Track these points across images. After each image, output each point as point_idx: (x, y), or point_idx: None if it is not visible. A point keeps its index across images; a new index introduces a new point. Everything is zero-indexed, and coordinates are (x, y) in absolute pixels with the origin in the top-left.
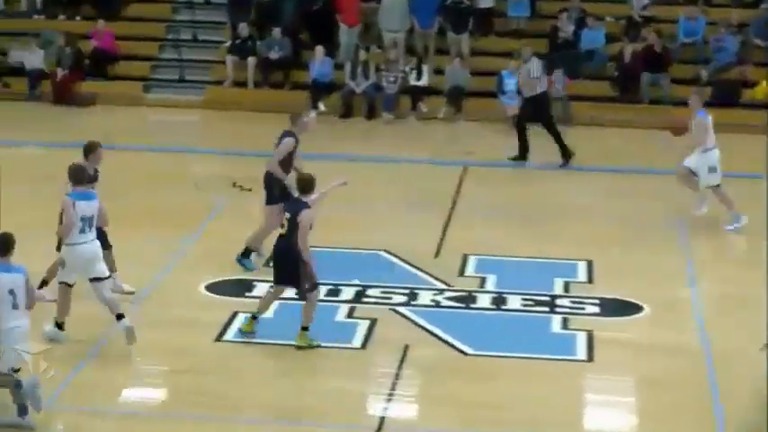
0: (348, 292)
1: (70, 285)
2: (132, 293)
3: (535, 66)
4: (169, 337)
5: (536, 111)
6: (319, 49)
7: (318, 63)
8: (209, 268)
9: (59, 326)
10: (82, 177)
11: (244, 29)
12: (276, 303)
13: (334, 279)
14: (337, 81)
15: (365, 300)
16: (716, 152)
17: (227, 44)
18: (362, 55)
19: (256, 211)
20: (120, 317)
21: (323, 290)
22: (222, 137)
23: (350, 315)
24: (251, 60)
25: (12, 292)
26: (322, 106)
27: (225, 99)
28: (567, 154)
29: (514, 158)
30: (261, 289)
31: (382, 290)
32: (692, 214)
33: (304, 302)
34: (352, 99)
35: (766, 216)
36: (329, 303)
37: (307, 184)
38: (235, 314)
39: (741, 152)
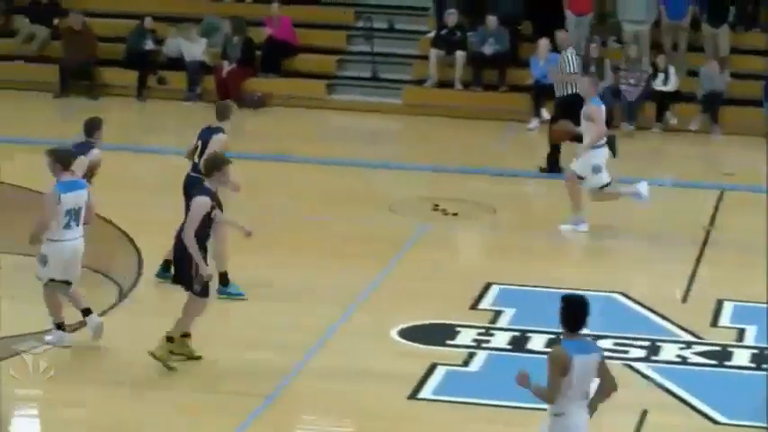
0: None
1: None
2: None
3: None
4: (353, 391)
5: None
6: (543, 44)
7: (542, 60)
8: (404, 309)
9: (60, 326)
10: (70, 161)
11: (452, 17)
12: (484, 354)
13: (556, 326)
14: None
15: None
16: (604, 150)
17: (431, 35)
18: (596, 51)
19: (464, 239)
20: (86, 312)
21: (541, 340)
22: (423, 148)
23: None
24: (459, 55)
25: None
26: (546, 113)
27: (426, 102)
28: None
29: None
30: (466, 336)
31: (616, 341)
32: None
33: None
34: None
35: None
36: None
37: (210, 165)
38: (433, 366)
39: None
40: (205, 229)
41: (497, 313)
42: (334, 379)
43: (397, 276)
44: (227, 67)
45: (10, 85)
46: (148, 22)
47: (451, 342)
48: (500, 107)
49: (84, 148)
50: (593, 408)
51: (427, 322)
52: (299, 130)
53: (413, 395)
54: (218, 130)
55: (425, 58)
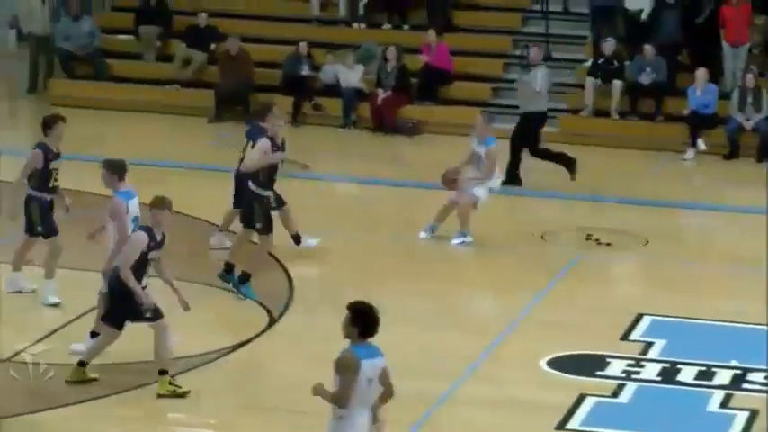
0: (724, 376)
1: None
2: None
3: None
4: (501, 421)
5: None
6: (701, 73)
7: (699, 90)
8: (555, 339)
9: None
10: (125, 171)
11: (609, 45)
12: (634, 385)
13: (707, 359)
14: (721, 113)
15: (745, 386)
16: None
17: (588, 63)
18: (752, 81)
19: (616, 270)
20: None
21: (692, 372)
22: (578, 177)
23: (725, 404)
24: (616, 84)
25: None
26: (702, 144)
27: (582, 131)
28: None
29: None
30: (616, 367)
31: (767, 374)
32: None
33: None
34: (740, 136)
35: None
36: (700, 389)
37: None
38: (582, 397)
39: None
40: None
41: (648, 344)
42: (482, 408)
43: (549, 306)
44: (382, 94)
45: (166, 109)
46: (303, 48)
47: (601, 373)
48: (656, 137)
49: None
50: (377, 416)
51: (577, 352)
52: (455, 157)
53: (561, 425)
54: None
55: (582, 86)
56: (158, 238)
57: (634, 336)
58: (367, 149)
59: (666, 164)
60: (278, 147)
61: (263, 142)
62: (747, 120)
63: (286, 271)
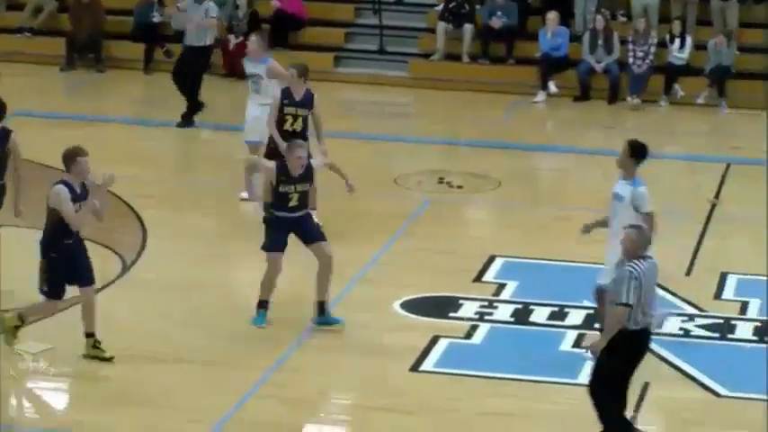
0: (576, 316)
1: None
2: None
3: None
4: (355, 364)
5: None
6: (552, 16)
7: (550, 33)
8: (408, 281)
9: None
10: None
11: None
12: (487, 326)
13: (559, 299)
14: (573, 56)
15: (597, 326)
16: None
17: (439, 8)
18: (603, 23)
19: (469, 213)
20: None
21: (545, 312)
22: (429, 122)
23: (577, 344)
24: (467, 28)
25: None
26: (553, 87)
27: (433, 75)
28: None
29: None
30: (469, 308)
31: None
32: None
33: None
34: (590, 78)
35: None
36: (553, 329)
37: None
38: (435, 339)
39: None
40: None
41: (501, 286)
42: (335, 352)
43: (401, 250)
44: (234, 40)
45: (17, 57)
46: None
47: (454, 314)
48: (507, 80)
49: None
50: None
51: (430, 295)
52: None
53: (415, 367)
54: None
55: (433, 31)
56: (78, 190)
57: (487, 277)
58: (219, 96)
59: (518, 107)
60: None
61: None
62: (598, 62)
63: (140, 219)
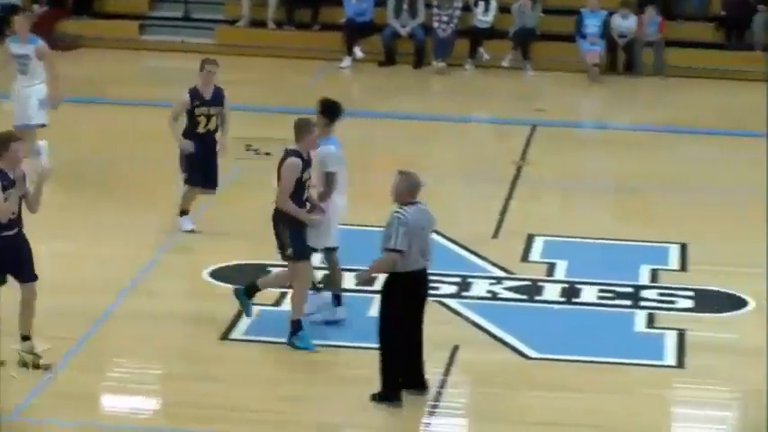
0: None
1: None
2: None
3: None
4: (164, 333)
5: None
6: None
7: None
8: (217, 249)
9: None
10: None
11: None
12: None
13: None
14: (378, 21)
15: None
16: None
17: None
18: None
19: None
20: None
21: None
22: (236, 89)
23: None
24: None
25: None
26: (359, 52)
27: (239, 41)
28: None
29: None
30: None
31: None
32: None
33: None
34: (395, 43)
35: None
36: (360, 294)
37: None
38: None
39: None
40: None
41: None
42: (144, 321)
43: (210, 217)
44: (39, 9)
45: None
46: None
47: None
48: (313, 46)
49: None
50: None
51: (239, 263)
52: (112, 71)
53: (224, 336)
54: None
55: None
56: (11, 176)
57: None
58: None
59: (324, 73)
60: None
61: None
62: (403, 26)
63: None
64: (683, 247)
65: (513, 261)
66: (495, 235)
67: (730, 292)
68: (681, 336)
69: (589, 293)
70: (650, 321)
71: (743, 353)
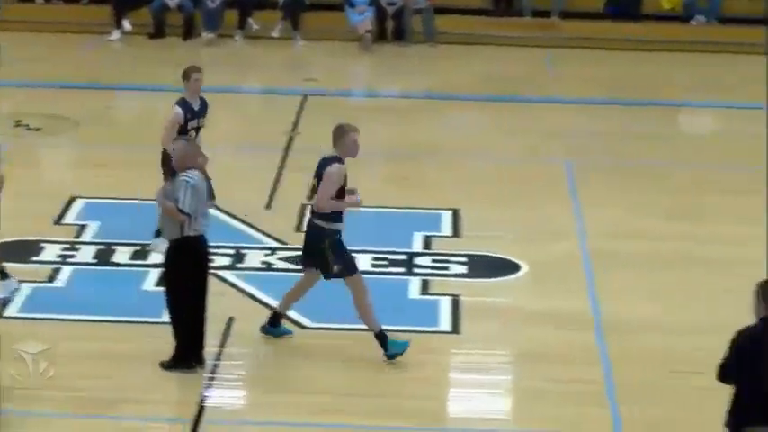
0: (156, 255)
1: None
2: None
3: None
4: None
5: None
6: None
7: None
8: None
9: None
10: None
11: None
12: (70, 269)
13: (141, 238)
14: None
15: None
16: None
17: None
18: None
19: (47, 154)
20: None
21: (127, 252)
22: (7, 65)
23: (160, 283)
24: None
25: None
26: (127, 25)
27: (8, 17)
28: None
29: None
30: (50, 252)
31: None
32: None
33: None
34: (164, 15)
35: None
36: (135, 269)
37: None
38: (19, 284)
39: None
40: None
41: (82, 227)
42: None
43: None
44: None
45: None
46: None
47: (36, 258)
48: (81, 20)
49: None
50: None
51: (10, 239)
52: None
53: None
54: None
55: None
56: None
57: (68, 219)
58: None
59: (94, 46)
60: None
61: None
62: None
63: None
64: (455, 214)
65: (287, 231)
66: (269, 205)
67: (502, 256)
68: (455, 301)
69: (363, 262)
70: (424, 288)
71: (516, 317)
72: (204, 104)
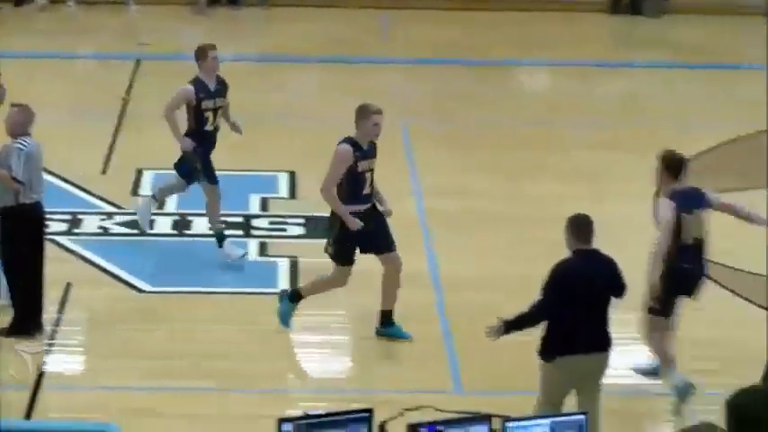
0: None
1: None
2: None
3: None
4: None
5: None
6: None
7: None
8: None
9: None
10: None
11: None
12: None
13: None
14: None
15: None
16: None
17: None
18: None
19: None
20: None
21: None
22: None
23: None
24: None
25: None
26: None
27: None
28: None
29: None
30: None
31: None
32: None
33: None
34: None
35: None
36: None
37: None
38: None
39: None
40: None
41: None
42: None
43: None
44: None
45: None
46: None
47: None
48: None
49: None
50: None
51: None
52: None
53: None
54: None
55: None
56: None
57: None
58: None
59: None
60: None
61: None
62: None
63: None
64: (292, 176)
65: (123, 196)
66: (104, 171)
67: None
68: (293, 263)
69: (200, 225)
70: (262, 250)
71: (356, 275)
72: (223, 85)
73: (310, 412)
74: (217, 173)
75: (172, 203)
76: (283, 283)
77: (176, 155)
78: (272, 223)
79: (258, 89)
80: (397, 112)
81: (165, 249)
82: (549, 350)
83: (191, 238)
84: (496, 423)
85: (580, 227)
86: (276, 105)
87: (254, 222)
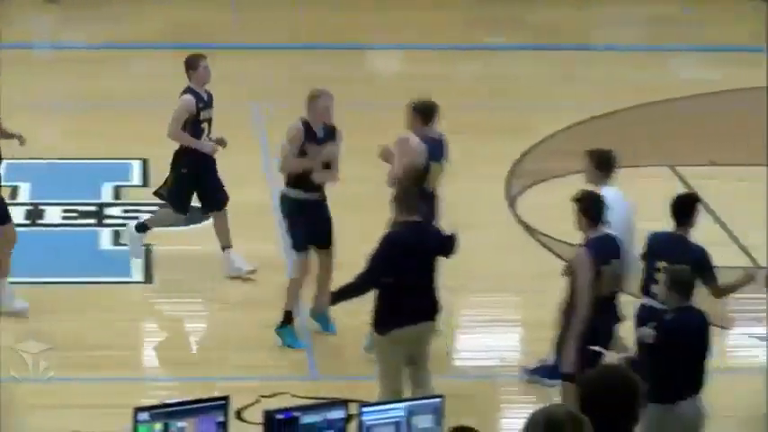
0: None
1: None
2: None
3: None
4: None
5: None
6: None
7: None
8: None
9: None
10: None
11: None
12: None
13: None
14: None
15: None
16: None
17: None
18: None
19: None
20: None
21: None
22: None
23: None
24: None
25: None
26: None
27: None
28: None
29: None
30: None
31: None
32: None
33: None
34: None
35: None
36: None
37: None
38: None
39: None
40: None
41: None
42: None
43: None
44: None
45: None
46: None
47: None
48: None
49: None
50: None
51: None
52: None
53: None
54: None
55: None
56: None
57: None
58: None
59: None
60: None
61: None
62: None
63: None
64: (145, 163)
65: None
66: None
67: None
68: (147, 251)
69: (53, 214)
70: (116, 238)
71: (210, 264)
72: (209, 96)
73: (166, 401)
74: (67, 161)
75: (24, 193)
76: (137, 272)
77: (29, 144)
78: (125, 212)
79: (109, 76)
80: (247, 96)
81: (19, 239)
82: (381, 322)
83: (44, 228)
84: (353, 408)
85: (408, 197)
86: (129, 92)
87: (107, 211)
